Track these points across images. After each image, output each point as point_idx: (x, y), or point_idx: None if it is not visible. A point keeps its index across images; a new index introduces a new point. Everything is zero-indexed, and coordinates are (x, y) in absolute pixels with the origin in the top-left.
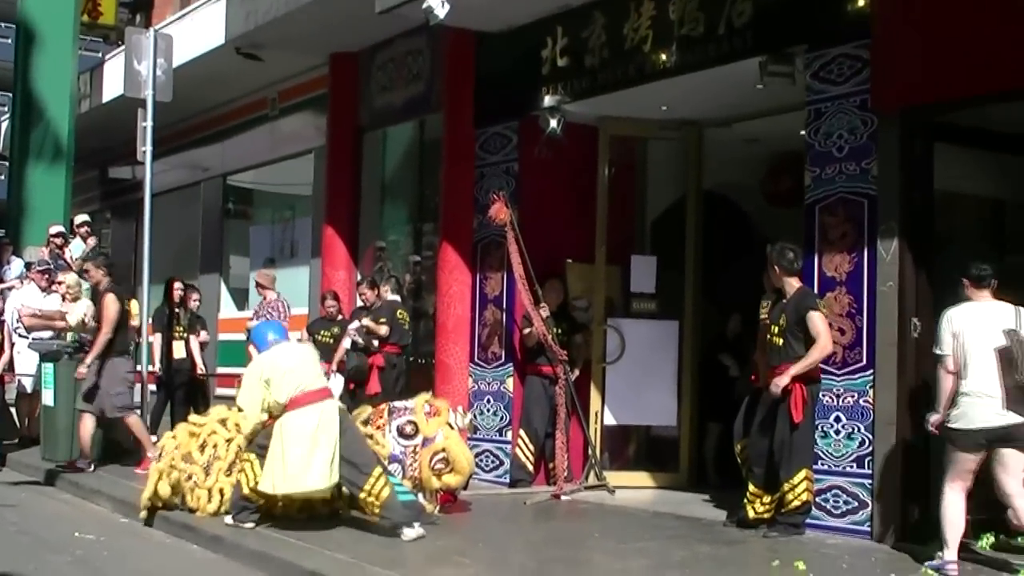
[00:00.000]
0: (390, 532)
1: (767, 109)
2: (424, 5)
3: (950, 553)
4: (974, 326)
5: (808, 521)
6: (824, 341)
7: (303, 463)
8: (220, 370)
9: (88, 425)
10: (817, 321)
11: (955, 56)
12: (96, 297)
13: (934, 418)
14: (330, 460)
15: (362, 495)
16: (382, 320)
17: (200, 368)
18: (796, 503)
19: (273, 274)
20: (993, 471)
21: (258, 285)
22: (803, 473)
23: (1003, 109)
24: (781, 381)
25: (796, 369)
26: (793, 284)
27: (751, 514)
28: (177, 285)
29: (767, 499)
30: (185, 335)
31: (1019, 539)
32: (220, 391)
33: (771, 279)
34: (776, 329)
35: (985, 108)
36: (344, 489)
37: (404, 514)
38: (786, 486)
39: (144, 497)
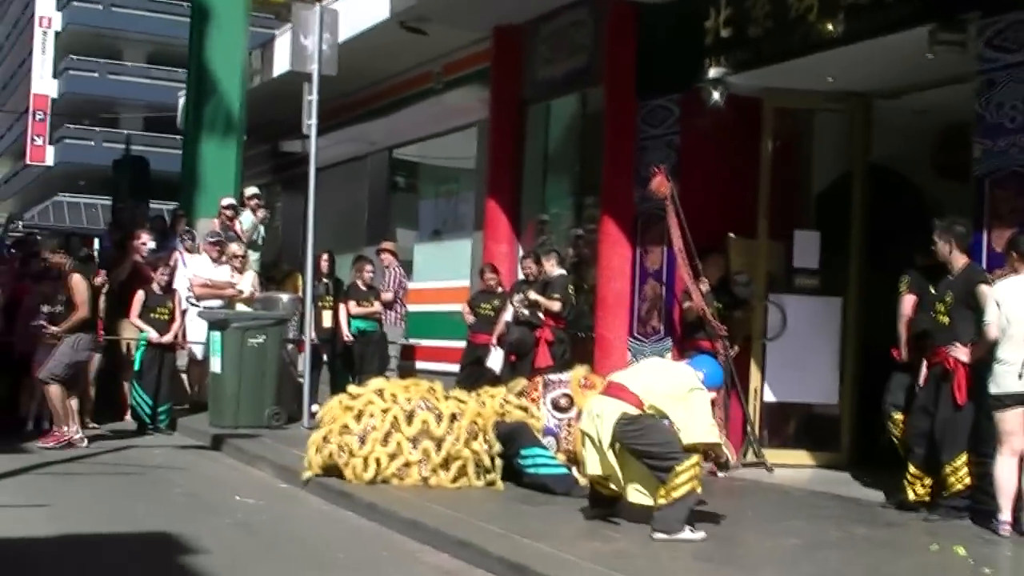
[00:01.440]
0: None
1: (938, 79)
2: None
3: (1004, 515)
4: (1017, 298)
5: (971, 505)
6: (992, 317)
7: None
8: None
9: (54, 392)
10: (987, 296)
11: None
12: (62, 279)
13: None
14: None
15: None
16: (555, 296)
17: (346, 336)
18: (959, 486)
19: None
20: None
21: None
22: (965, 456)
23: None
24: (961, 355)
25: (977, 353)
26: (961, 260)
27: (911, 496)
28: (324, 257)
29: (928, 481)
30: (334, 305)
31: None
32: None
33: (938, 254)
34: (942, 307)
35: None
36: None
37: (674, 520)
38: (948, 468)
39: (306, 464)
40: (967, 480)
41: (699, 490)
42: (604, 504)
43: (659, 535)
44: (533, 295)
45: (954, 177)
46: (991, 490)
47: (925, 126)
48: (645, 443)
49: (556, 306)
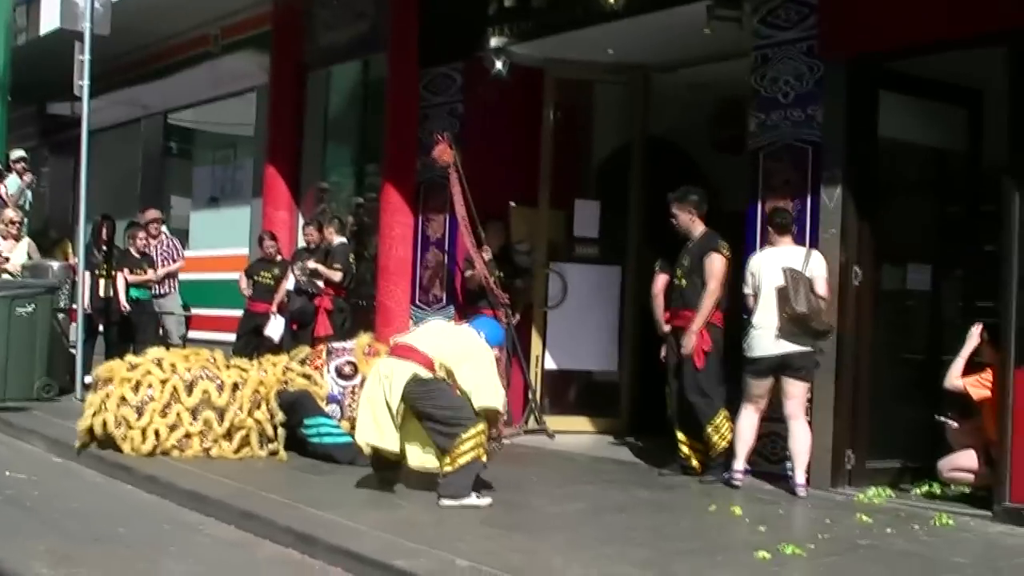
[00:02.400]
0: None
1: (714, 54)
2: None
3: (738, 463)
4: (768, 267)
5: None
6: (712, 285)
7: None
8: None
9: None
10: (715, 263)
11: (901, 4)
12: None
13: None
14: (371, 419)
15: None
16: (336, 266)
17: (124, 306)
18: (723, 443)
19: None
20: (780, 398)
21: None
22: (723, 413)
23: (949, 59)
24: (690, 341)
25: (697, 323)
26: (699, 227)
27: (694, 463)
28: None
29: (699, 445)
30: (114, 273)
31: (951, 488)
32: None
33: (677, 224)
34: (679, 272)
35: (931, 57)
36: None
37: (459, 484)
38: (709, 429)
39: (81, 429)
40: (730, 436)
41: (484, 458)
42: (386, 467)
43: (446, 501)
44: (312, 264)
45: (730, 150)
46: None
47: (702, 100)
48: (432, 405)
49: (337, 276)
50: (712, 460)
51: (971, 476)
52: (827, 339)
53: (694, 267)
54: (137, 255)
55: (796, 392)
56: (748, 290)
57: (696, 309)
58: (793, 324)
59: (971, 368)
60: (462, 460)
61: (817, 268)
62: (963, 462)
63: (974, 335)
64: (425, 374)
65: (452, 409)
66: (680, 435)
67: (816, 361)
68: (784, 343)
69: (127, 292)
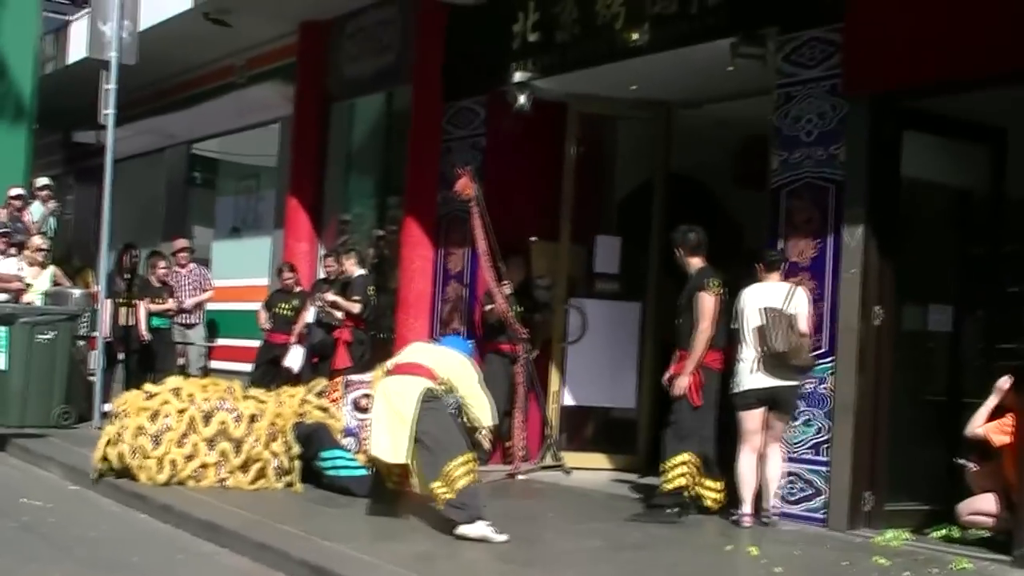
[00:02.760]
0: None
1: (738, 91)
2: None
3: (745, 507)
4: (753, 303)
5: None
6: (702, 324)
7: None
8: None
9: None
10: (703, 302)
11: (926, 42)
12: None
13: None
14: (384, 435)
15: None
16: (355, 297)
17: (144, 335)
18: (668, 486)
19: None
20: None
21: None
22: (682, 457)
23: (972, 98)
24: (682, 383)
25: (689, 365)
26: (696, 264)
27: (708, 503)
28: (131, 252)
29: (708, 483)
30: (135, 301)
31: (970, 532)
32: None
33: (678, 263)
34: (679, 311)
35: (955, 96)
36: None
37: (469, 511)
38: (662, 467)
39: (96, 459)
40: (679, 481)
41: (477, 479)
42: (386, 499)
43: (462, 528)
44: (331, 296)
45: (752, 187)
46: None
47: (725, 137)
48: (434, 425)
49: (356, 308)
50: (654, 497)
51: (990, 520)
52: (810, 373)
53: (686, 306)
54: (157, 284)
55: (779, 424)
56: (735, 326)
57: (684, 347)
58: (775, 360)
59: (992, 413)
60: (459, 484)
61: (799, 305)
62: (982, 506)
63: (1001, 388)
64: (435, 388)
65: (448, 433)
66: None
67: (800, 395)
68: (770, 378)
69: (148, 321)
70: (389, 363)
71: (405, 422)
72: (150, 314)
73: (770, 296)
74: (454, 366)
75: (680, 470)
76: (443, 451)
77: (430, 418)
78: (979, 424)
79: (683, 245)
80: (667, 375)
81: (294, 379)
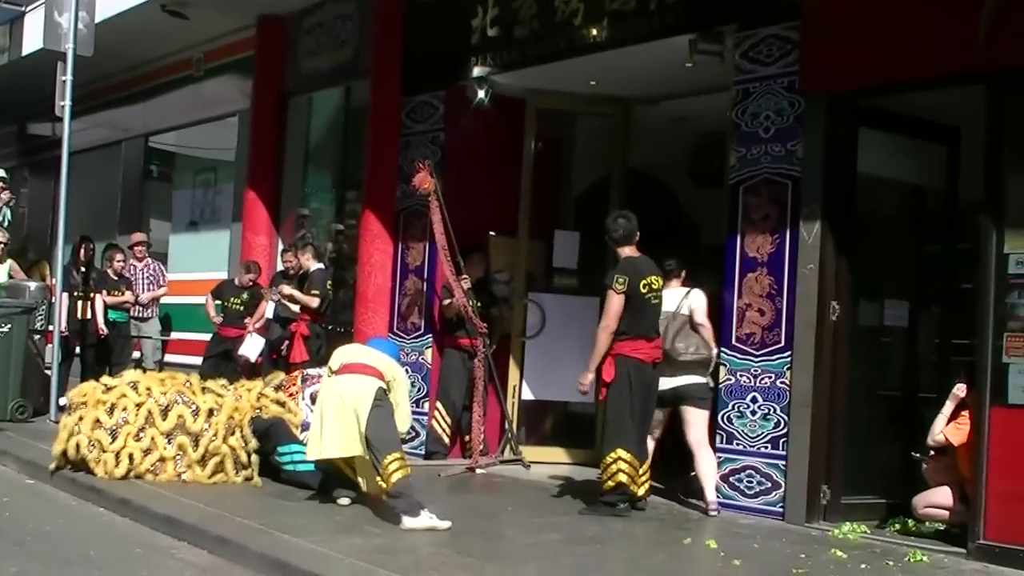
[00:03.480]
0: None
1: (696, 88)
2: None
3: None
4: (669, 304)
5: (721, 500)
6: (603, 321)
7: (316, 432)
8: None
9: None
10: (607, 298)
11: (882, 41)
12: None
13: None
14: (342, 431)
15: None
16: (314, 292)
17: (101, 329)
18: (610, 483)
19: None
20: (684, 428)
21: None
22: (614, 454)
23: (927, 96)
24: (585, 380)
25: (591, 362)
26: (623, 255)
27: (636, 490)
28: (86, 246)
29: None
30: (92, 295)
31: (926, 525)
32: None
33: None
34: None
35: (910, 95)
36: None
37: (409, 502)
38: (601, 464)
39: (56, 452)
40: (619, 477)
41: (409, 473)
42: (346, 486)
43: (407, 521)
44: (288, 290)
45: (709, 184)
46: (740, 486)
47: (684, 133)
48: (380, 424)
49: (314, 302)
50: (601, 495)
51: (946, 513)
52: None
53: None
54: (115, 277)
55: (696, 420)
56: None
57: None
58: (676, 361)
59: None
60: (393, 479)
61: (696, 301)
62: (938, 499)
63: (957, 396)
64: (385, 388)
65: (388, 431)
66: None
67: (711, 390)
68: (673, 379)
69: (105, 314)
70: (333, 363)
71: (361, 419)
72: (107, 308)
73: (668, 302)
74: (395, 370)
75: (615, 467)
76: (384, 446)
77: (375, 416)
78: (938, 431)
79: (611, 234)
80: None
81: (248, 372)
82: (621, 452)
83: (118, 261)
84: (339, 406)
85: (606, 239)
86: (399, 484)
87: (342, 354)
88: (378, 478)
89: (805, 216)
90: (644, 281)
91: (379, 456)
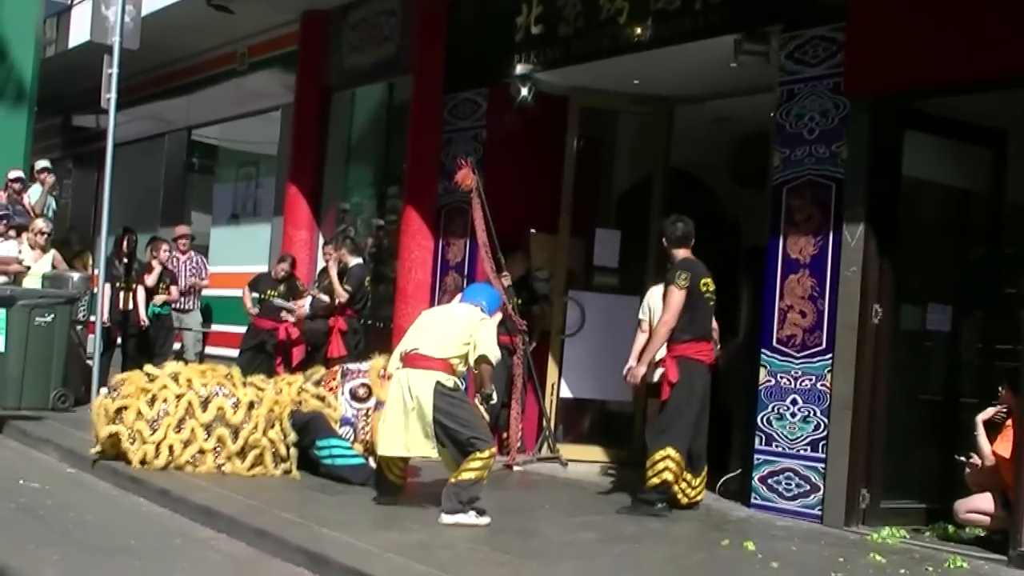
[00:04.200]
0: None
1: (740, 88)
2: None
3: None
4: (655, 302)
5: (759, 503)
6: (665, 316)
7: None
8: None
9: None
10: (670, 294)
11: (929, 43)
12: None
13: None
14: (402, 430)
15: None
16: (347, 287)
17: (143, 320)
18: (655, 481)
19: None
20: None
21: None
22: (664, 452)
23: (974, 100)
24: (636, 372)
25: (646, 354)
26: (678, 256)
27: (681, 498)
28: (129, 237)
29: (689, 479)
30: (134, 286)
31: (966, 531)
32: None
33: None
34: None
35: (957, 97)
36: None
37: (456, 500)
38: (647, 462)
39: (101, 435)
40: (665, 476)
41: (485, 481)
42: (390, 491)
43: (445, 517)
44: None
45: (750, 184)
46: (778, 488)
47: (726, 133)
48: (454, 421)
49: (344, 296)
50: (639, 492)
51: (987, 519)
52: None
53: (664, 298)
54: (157, 267)
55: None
56: (641, 316)
57: (667, 341)
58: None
59: (995, 427)
60: (465, 476)
61: None
62: (979, 504)
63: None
64: (447, 380)
65: (469, 428)
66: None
67: None
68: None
69: (148, 306)
70: (400, 350)
71: (423, 416)
72: (149, 299)
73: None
74: (459, 337)
75: (662, 465)
76: (470, 445)
77: (451, 414)
78: (988, 451)
79: (668, 236)
80: (627, 367)
81: (286, 365)
82: (671, 451)
83: (164, 251)
84: (400, 404)
85: (663, 241)
86: (472, 484)
87: (411, 334)
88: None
89: (848, 218)
90: (703, 280)
91: (469, 448)
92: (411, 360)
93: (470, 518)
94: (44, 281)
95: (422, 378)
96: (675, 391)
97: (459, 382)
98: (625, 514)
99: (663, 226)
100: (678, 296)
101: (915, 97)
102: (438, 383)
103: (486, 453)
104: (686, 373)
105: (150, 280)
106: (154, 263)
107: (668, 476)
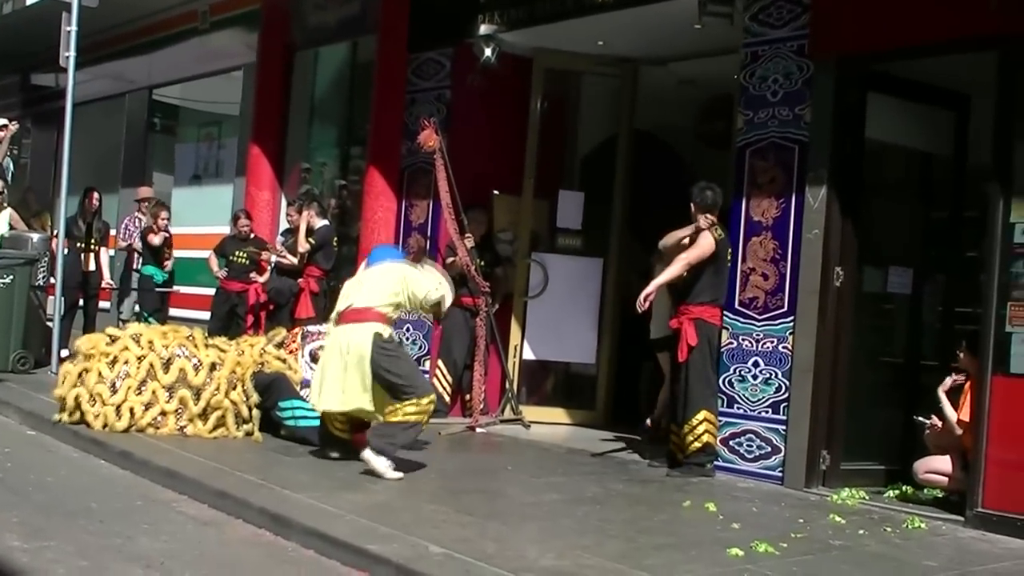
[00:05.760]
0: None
1: (705, 50)
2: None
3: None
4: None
5: (720, 464)
6: (692, 253)
7: (318, 382)
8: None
9: None
10: (701, 237)
11: (893, 6)
12: None
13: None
14: (341, 385)
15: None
16: (310, 240)
17: (107, 281)
18: (697, 445)
19: None
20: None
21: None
22: (702, 415)
23: (938, 62)
24: (642, 295)
25: (657, 280)
26: (702, 221)
27: (680, 456)
28: (95, 196)
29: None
30: (96, 247)
31: (925, 492)
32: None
33: (693, 216)
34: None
35: (920, 60)
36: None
37: (387, 444)
38: (685, 428)
39: (59, 396)
40: (705, 439)
41: (424, 427)
42: (335, 445)
43: (367, 453)
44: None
45: (715, 146)
46: (739, 450)
47: (690, 95)
48: (389, 372)
49: (305, 246)
50: (685, 458)
51: (945, 479)
52: None
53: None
54: (165, 234)
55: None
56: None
57: (685, 300)
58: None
59: (955, 391)
60: (397, 417)
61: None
62: (938, 465)
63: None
64: (384, 330)
65: (405, 378)
66: (672, 426)
67: None
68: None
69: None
70: (335, 311)
71: (361, 368)
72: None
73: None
74: (402, 279)
75: (702, 428)
76: (408, 393)
77: (388, 364)
78: (954, 418)
79: (698, 202)
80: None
81: (253, 326)
82: (706, 414)
83: (163, 219)
84: (338, 360)
85: (691, 205)
86: (405, 426)
87: (342, 298)
88: (388, 410)
89: (811, 181)
90: (729, 249)
91: (404, 396)
92: (345, 317)
93: (384, 465)
94: (2, 241)
95: (359, 331)
96: (694, 355)
97: (395, 334)
98: (672, 477)
99: (692, 191)
100: (708, 243)
101: (878, 59)
102: (376, 334)
103: (424, 400)
104: (704, 336)
105: (156, 239)
106: (155, 228)
107: (708, 438)
